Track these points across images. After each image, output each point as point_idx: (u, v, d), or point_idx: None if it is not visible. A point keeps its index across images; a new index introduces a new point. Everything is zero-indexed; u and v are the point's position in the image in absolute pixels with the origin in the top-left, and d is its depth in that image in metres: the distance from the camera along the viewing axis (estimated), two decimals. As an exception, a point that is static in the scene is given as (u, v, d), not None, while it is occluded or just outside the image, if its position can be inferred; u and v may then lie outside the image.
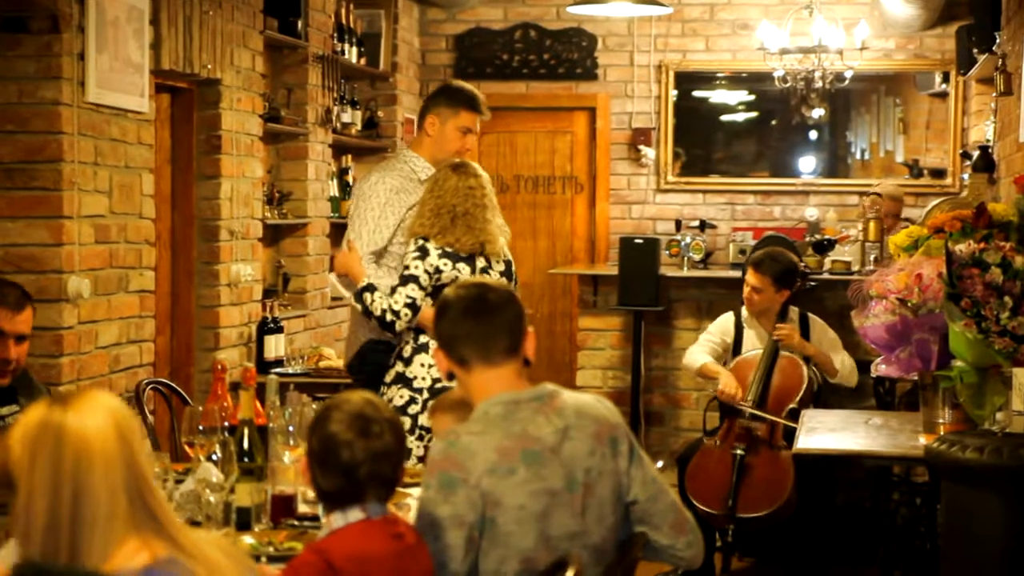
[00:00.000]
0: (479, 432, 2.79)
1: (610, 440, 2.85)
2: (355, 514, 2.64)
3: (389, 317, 4.46)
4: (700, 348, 6.31)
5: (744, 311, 6.24)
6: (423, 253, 4.46)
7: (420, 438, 4.40)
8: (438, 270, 4.45)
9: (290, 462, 3.36)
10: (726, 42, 8.09)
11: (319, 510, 3.15)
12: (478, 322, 2.86)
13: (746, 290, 6.11)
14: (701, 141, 8.37)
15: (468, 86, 4.96)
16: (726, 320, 6.33)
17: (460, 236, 4.47)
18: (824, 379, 6.05)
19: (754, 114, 8.50)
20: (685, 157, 8.28)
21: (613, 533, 2.87)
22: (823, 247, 7.23)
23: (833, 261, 7.20)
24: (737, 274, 7.07)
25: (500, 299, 2.89)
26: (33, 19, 4.53)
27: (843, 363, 6.08)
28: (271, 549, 2.99)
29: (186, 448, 3.40)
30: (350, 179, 7.26)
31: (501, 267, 4.59)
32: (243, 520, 3.17)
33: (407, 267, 4.47)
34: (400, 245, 4.64)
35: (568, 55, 8.20)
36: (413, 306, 4.44)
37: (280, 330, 6.06)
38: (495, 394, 2.83)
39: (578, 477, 2.80)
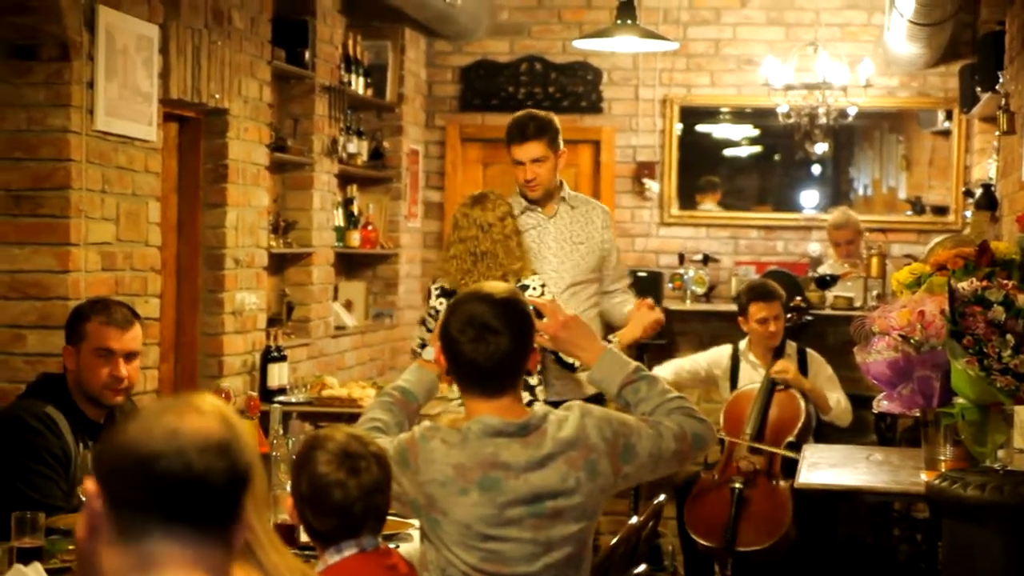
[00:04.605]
0: (450, 443, 2.85)
1: (587, 464, 2.87)
2: (350, 548, 2.64)
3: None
4: (674, 366, 6.32)
5: (742, 345, 6.24)
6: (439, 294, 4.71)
7: None
8: (436, 310, 4.64)
9: (293, 491, 3.37)
10: (731, 77, 8.12)
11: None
12: (476, 361, 2.87)
13: (764, 328, 6.07)
14: (705, 175, 8.39)
15: (518, 117, 5.15)
16: (721, 353, 6.33)
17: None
18: (817, 416, 6.06)
19: (758, 149, 8.52)
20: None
21: (582, 550, 2.92)
22: (825, 283, 7.25)
23: (835, 297, 7.21)
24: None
25: (499, 340, 2.86)
26: (43, 47, 4.55)
27: (838, 402, 6.09)
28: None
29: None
30: (355, 209, 7.28)
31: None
32: (245, 549, 3.17)
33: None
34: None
35: (573, 88, 8.23)
36: (423, 345, 4.55)
37: (284, 359, 6.07)
38: (485, 416, 2.88)
39: (546, 504, 2.83)
